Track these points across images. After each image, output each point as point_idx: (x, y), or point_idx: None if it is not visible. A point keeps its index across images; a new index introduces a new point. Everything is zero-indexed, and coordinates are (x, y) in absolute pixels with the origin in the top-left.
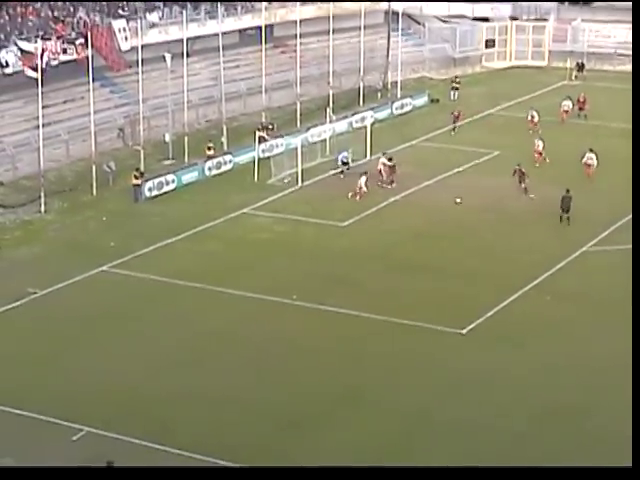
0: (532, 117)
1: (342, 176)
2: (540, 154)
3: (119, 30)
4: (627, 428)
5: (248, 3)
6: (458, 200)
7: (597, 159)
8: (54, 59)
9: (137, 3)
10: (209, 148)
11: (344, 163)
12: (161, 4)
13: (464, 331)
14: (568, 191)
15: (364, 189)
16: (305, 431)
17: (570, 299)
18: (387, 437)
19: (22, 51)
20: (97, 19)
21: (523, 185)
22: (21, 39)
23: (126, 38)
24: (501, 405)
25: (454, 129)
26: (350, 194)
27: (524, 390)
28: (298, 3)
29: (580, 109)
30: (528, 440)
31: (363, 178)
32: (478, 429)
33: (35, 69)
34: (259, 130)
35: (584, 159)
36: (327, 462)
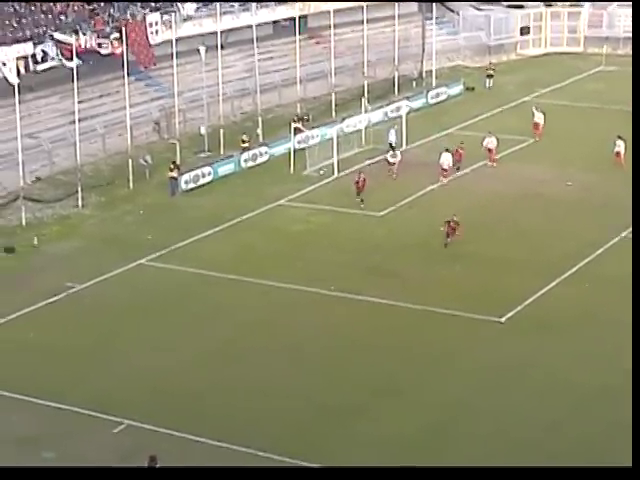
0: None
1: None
2: (537, 126)
3: (150, 24)
4: None
5: None
6: (569, 183)
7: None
8: (90, 51)
9: None
10: (244, 140)
11: (390, 144)
12: None
13: (503, 319)
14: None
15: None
16: (344, 421)
17: (609, 286)
18: (427, 427)
19: (58, 42)
20: (131, 13)
21: (449, 239)
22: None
23: (157, 32)
24: (540, 393)
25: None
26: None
27: (563, 378)
28: None
29: None
30: (566, 428)
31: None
32: (517, 418)
33: (71, 60)
34: (294, 121)
35: (615, 147)
36: (366, 452)
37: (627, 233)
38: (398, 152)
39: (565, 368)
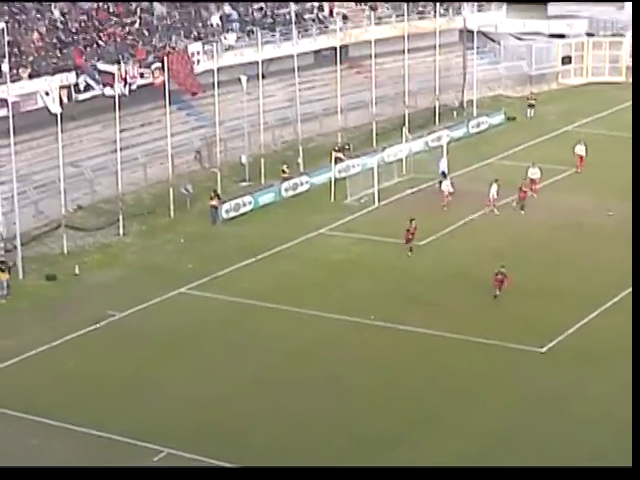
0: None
1: (437, 185)
2: (582, 159)
3: (192, 54)
4: None
5: (322, 24)
6: (610, 213)
7: None
8: (132, 83)
9: (213, 26)
10: (284, 170)
11: (444, 174)
12: (237, 26)
13: (544, 349)
14: None
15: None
16: (384, 450)
17: None
18: (465, 458)
19: (100, 72)
20: (173, 43)
21: (498, 291)
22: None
23: (198, 61)
24: (581, 424)
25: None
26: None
27: (604, 408)
28: (373, 23)
29: None
30: (607, 459)
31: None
32: (557, 449)
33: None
34: (335, 151)
35: None
36: None
37: None
38: (452, 182)
39: (606, 399)
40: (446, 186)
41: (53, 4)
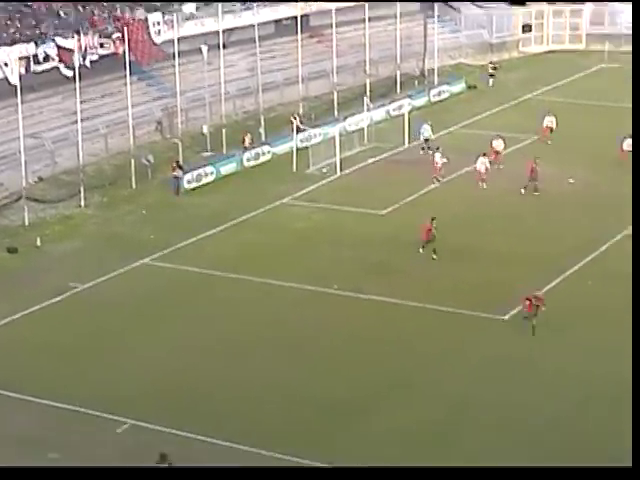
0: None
1: (422, 152)
2: (550, 130)
3: (153, 24)
4: None
5: None
6: (571, 181)
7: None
8: (92, 54)
9: None
10: (243, 140)
11: (426, 139)
12: None
13: (506, 317)
14: None
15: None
16: (350, 417)
17: (612, 282)
18: (431, 424)
19: (59, 47)
20: (132, 13)
21: (534, 319)
22: (58, 35)
23: (159, 31)
24: (544, 389)
25: None
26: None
27: (567, 373)
28: None
29: None
30: (570, 422)
31: (438, 154)
32: (521, 411)
33: (70, 67)
34: (294, 118)
35: (624, 145)
36: (371, 450)
37: (629, 230)
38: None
39: (569, 364)
40: (439, 157)
41: None
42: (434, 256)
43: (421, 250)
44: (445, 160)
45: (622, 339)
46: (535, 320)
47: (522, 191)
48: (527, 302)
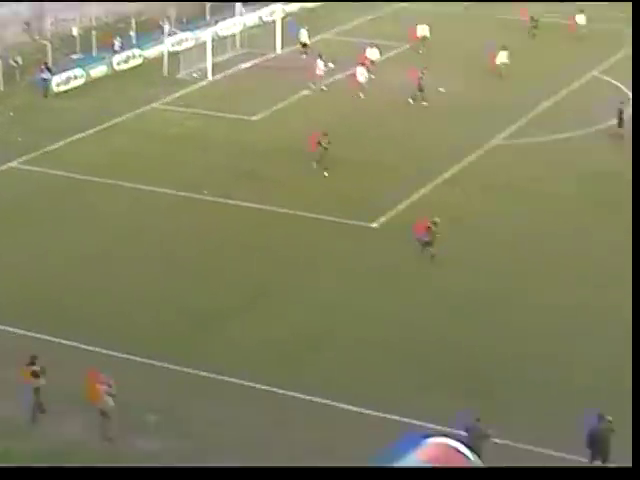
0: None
1: (304, 56)
2: (424, 39)
3: None
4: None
5: None
6: (442, 90)
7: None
8: None
9: None
10: (113, 44)
11: (303, 44)
12: None
13: (375, 225)
14: None
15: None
16: (218, 325)
17: (481, 190)
18: (300, 329)
19: None
20: None
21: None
22: None
23: None
24: (412, 299)
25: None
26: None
27: (435, 284)
28: None
29: None
30: (435, 329)
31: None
32: (389, 322)
33: None
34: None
35: (499, 58)
36: (240, 355)
37: (498, 140)
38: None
39: (436, 275)
40: (322, 64)
41: None
42: (325, 173)
43: (315, 164)
44: (332, 66)
45: (490, 248)
46: (433, 248)
47: (410, 101)
48: (427, 228)
